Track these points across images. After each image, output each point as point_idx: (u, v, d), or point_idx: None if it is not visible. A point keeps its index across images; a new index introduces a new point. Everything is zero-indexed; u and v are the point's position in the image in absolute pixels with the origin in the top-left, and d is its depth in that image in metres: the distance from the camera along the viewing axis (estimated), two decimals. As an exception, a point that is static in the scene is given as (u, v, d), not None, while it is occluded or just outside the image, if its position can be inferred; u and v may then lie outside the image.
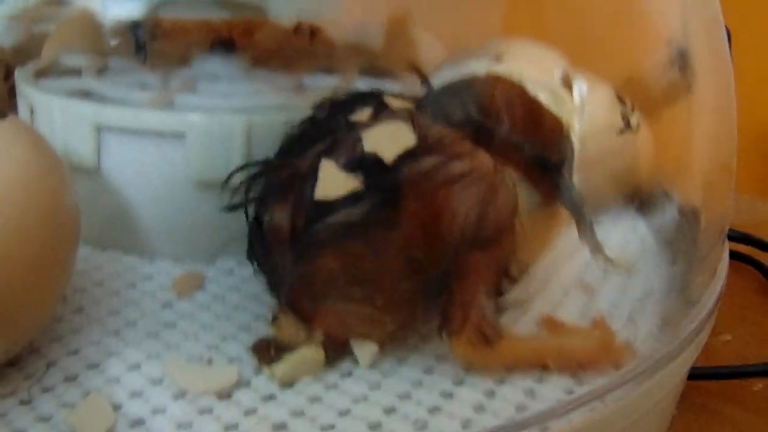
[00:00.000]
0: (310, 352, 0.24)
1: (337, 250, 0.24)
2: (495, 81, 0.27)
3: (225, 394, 0.23)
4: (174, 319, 0.27)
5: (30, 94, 0.32)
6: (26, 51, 0.36)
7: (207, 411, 0.23)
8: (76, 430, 0.22)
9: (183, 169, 0.30)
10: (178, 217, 0.31)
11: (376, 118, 0.25)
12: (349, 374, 0.25)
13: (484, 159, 0.24)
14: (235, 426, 0.22)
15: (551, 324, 0.27)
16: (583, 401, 0.23)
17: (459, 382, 0.24)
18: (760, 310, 0.43)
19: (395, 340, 0.26)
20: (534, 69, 0.28)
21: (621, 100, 0.30)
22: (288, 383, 0.24)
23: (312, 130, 0.26)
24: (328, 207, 0.23)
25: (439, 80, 0.28)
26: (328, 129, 0.25)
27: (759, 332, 0.40)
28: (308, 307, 0.25)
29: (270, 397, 0.23)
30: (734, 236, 0.46)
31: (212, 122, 0.30)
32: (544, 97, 0.27)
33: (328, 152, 0.24)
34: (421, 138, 0.24)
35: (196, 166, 0.30)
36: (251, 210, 0.26)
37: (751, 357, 0.37)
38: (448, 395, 0.24)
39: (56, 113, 0.31)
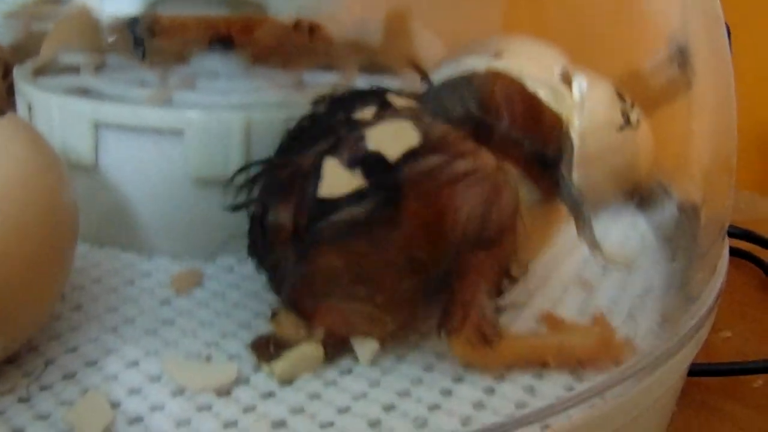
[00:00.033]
0: (310, 349, 0.24)
1: (340, 248, 0.24)
2: (495, 77, 0.27)
3: (224, 391, 0.23)
4: (172, 316, 0.27)
5: (28, 91, 0.32)
6: (25, 49, 0.36)
7: (206, 408, 0.23)
8: (74, 428, 0.22)
9: (181, 166, 0.30)
10: (177, 214, 0.31)
11: (379, 116, 0.25)
12: (349, 371, 0.25)
13: (487, 158, 0.24)
14: (234, 423, 0.22)
15: (551, 321, 0.27)
16: (583, 398, 0.23)
17: (458, 380, 0.24)
18: (760, 306, 0.43)
19: (395, 338, 0.25)
20: (534, 66, 0.28)
21: (621, 96, 0.30)
22: (287, 380, 0.24)
23: (313, 127, 0.26)
24: (332, 205, 0.23)
25: (438, 77, 0.28)
26: (330, 127, 0.25)
27: (759, 329, 0.40)
28: (310, 304, 0.25)
29: (269, 394, 0.23)
30: (734, 233, 0.47)
31: (211, 119, 0.30)
32: (543, 94, 0.27)
33: (331, 150, 0.24)
34: (425, 136, 0.24)
35: (195, 163, 0.30)
36: (253, 208, 0.25)
37: (751, 354, 0.37)
38: (447, 392, 0.24)
39: (54, 111, 0.31)
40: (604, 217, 0.27)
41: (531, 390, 0.24)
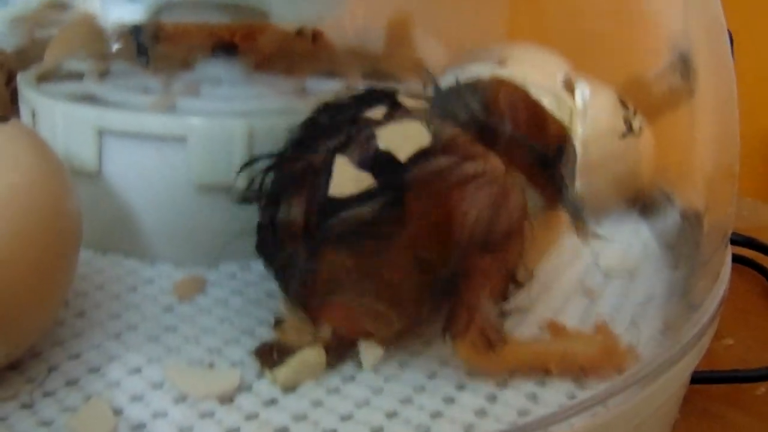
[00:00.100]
0: (312, 356, 0.24)
1: (350, 247, 0.24)
2: (498, 84, 0.27)
3: (226, 398, 0.23)
4: (175, 323, 0.27)
5: (32, 98, 0.32)
6: (28, 55, 0.36)
7: (208, 415, 0.23)
8: (77, 435, 0.22)
9: (184, 172, 0.30)
10: (180, 220, 0.31)
11: (390, 116, 0.25)
12: (352, 378, 0.25)
13: (496, 161, 0.24)
14: (237, 430, 0.22)
15: (554, 328, 0.27)
16: (586, 406, 0.23)
17: (461, 387, 0.24)
18: (762, 314, 0.43)
19: (398, 343, 0.25)
20: (537, 73, 0.28)
21: (623, 103, 0.30)
22: (290, 387, 0.24)
23: (324, 125, 0.26)
24: (342, 204, 0.23)
25: (443, 84, 0.28)
26: (341, 125, 0.25)
27: (762, 336, 0.40)
28: (317, 302, 0.25)
29: (272, 402, 0.23)
30: (737, 240, 0.46)
31: (214, 126, 0.30)
32: (547, 101, 0.27)
33: (342, 149, 0.24)
34: (435, 138, 0.24)
35: (198, 170, 0.30)
36: (263, 203, 0.25)
37: (754, 361, 0.36)
38: (450, 400, 0.24)
39: (58, 117, 0.31)
40: (607, 224, 0.27)
41: (533, 397, 0.24)
